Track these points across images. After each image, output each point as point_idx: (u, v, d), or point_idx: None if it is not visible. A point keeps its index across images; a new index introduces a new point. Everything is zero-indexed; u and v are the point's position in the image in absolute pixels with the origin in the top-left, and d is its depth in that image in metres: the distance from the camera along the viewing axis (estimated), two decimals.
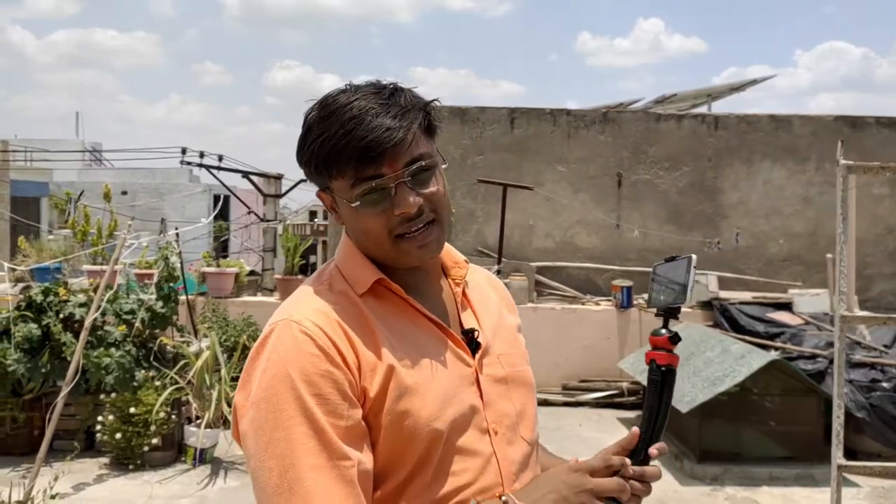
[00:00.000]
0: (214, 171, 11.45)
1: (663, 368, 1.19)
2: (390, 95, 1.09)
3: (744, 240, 8.27)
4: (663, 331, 1.20)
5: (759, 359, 5.18)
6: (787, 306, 7.25)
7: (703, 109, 11.09)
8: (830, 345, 6.05)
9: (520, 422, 1.21)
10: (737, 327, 6.89)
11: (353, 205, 1.10)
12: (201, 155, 12.23)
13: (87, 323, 4.49)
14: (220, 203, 13.29)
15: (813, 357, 5.96)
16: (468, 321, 1.22)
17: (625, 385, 7.08)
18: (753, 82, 11.87)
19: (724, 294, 7.64)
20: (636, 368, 6.34)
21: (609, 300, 7.72)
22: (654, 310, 1.23)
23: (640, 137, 8.30)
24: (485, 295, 1.30)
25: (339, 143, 1.05)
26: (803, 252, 8.15)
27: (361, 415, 1.05)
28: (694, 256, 1.19)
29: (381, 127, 1.04)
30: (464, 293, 1.25)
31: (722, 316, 7.13)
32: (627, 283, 7.56)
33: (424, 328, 1.16)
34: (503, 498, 1.11)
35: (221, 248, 13.56)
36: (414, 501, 1.08)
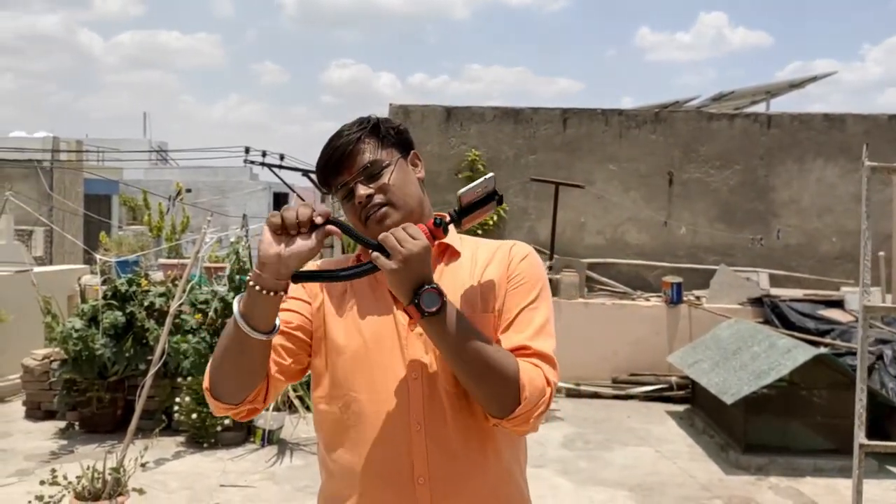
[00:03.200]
0: (276, 171, 11.93)
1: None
2: (351, 125, 1.51)
3: (795, 238, 8.33)
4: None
5: (804, 353, 5.30)
6: (838, 304, 7.30)
7: (761, 107, 11.09)
8: (880, 341, 6.11)
9: (441, 372, 1.43)
10: (787, 324, 6.97)
11: (338, 205, 1.52)
12: (263, 154, 12.73)
13: (172, 310, 4.90)
14: (278, 200, 13.77)
15: None
16: None
17: (674, 379, 7.24)
18: (814, 79, 11.77)
19: (774, 291, 7.72)
20: (685, 363, 6.49)
21: (659, 296, 7.88)
22: None
23: (691, 136, 8.42)
24: (463, 264, 1.53)
25: (318, 167, 1.52)
26: (855, 250, 8.13)
27: (306, 315, 1.51)
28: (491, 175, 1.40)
29: (334, 147, 1.48)
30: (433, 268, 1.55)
31: (772, 313, 7.22)
32: (677, 279, 7.71)
33: (380, 291, 1.49)
34: None
35: None
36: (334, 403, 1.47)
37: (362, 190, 1.45)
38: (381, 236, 1.29)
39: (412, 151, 1.56)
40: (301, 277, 1.34)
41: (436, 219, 1.37)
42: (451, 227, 1.44)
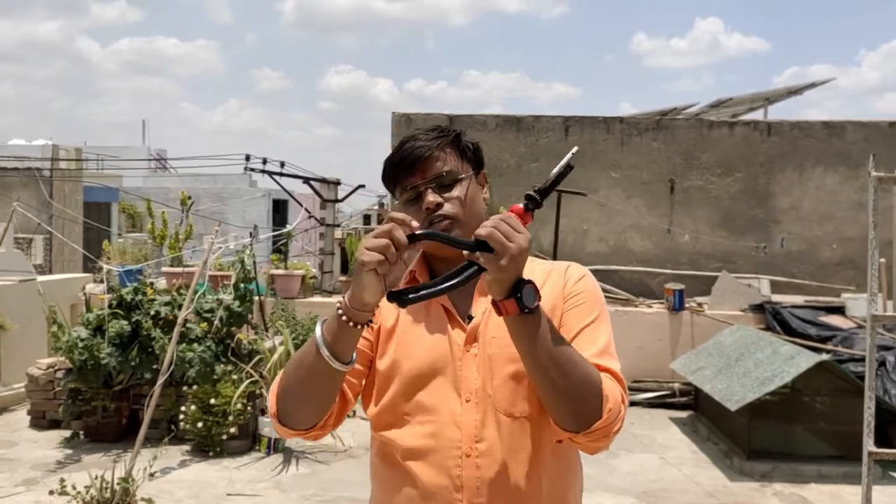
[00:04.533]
0: (277, 178, 11.95)
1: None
2: (430, 131, 1.50)
3: (796, 244, 8.37)
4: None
5: (807, 360, 5.33)
6: (839, 310, 7.33)
7: (759, 113, 11.16)
8: (882, 348, 6.14)
9: (497, 394, 1.40)
10: (789, 330, 7.00)
11: (399, 204, 1.47)
12: (264, 161, 12.75)
13: (181, 319, 4.91)
14: (278, 208, 13.76)
15: (864, 359, 6.05)
16: (477, 308, 1.47)
17: (676, 386, 7.26)
18: (812, 85, 11.84)
19: (776, 297, 7.75)
20: (688, 369, 6.52)
21: (661, 303, 7.91)
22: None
23: (692, 144, 8.46)
24: None
25: (389, 165, 1.49)
26: (857, 256, 8.20)
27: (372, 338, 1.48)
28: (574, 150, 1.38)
29: (413, 148, 1.46)
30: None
31: (774, 319, 7.25)
32: (680, 286, 7.74)
33: (434, 309, 1.47)
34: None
35: (278, 252, 14.09)
36: (387, 416, 1.45)
37: (433, 197, 1.43)
38: (484, 232, 1.19)
39: (482, 171, 1.55)
40: (404, 301, 1.23)
41: (526, 203, 1.29)
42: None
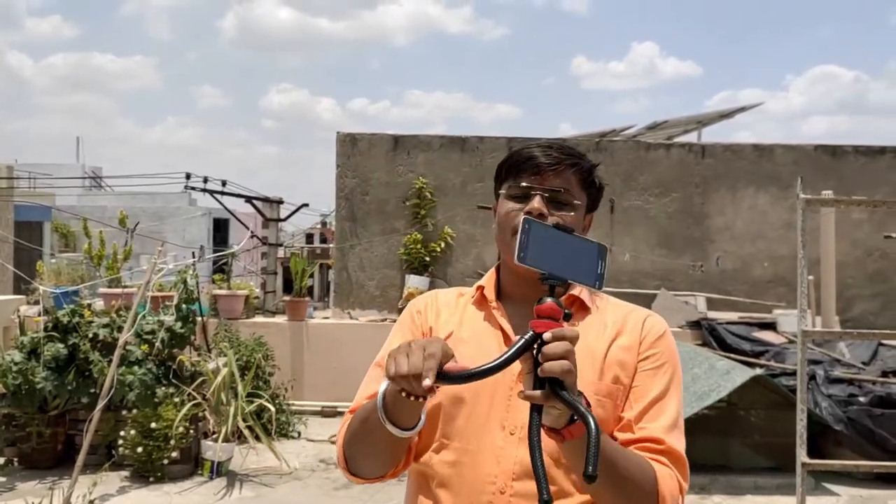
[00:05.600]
0: (218, 196, 11.79)
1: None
2: (570, 147, 1.44)
3: (731, 263, 8.66)
4: (549, 299, 1.13)
5: (742, 374, 5.52)
6: (771, 326, 7.61)
7: (693, 135, 11.53)
8: (812, 362, 6.39)
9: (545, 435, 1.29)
10: (724, 346, 7.23)
11: (502, 192, 1.43)
12: (205, 180, 12.57)
13: (122, 341, 4.81)
14: (218, 227, 13.55)
15: (795, 373, 6.28)
16: None
17: None
18: (742, 109, 12.31)
19: (712, 314, 8.00)
20: None
21: None
22: (540, 271, 1.15)
23: (631, 165, 8.70)
24: (593, 324, 1.41)
25: (513, 157, 1.43)
26: (787, 274, 8.53)
27: None
28: (606, 247, 1.21)
29: (543, 153, 1.39)
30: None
31: (710, 335, 7.47)
32: None
33: (493, 329, 1.41)
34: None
35: (220, 271, 13.88)
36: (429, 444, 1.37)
37: (540, 204, 1.35)
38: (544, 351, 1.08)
39: (592, 214, 1.47)
40: (450, 380, 1.11)
41: (566, 311, 1.13)
42: None
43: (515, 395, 1.26)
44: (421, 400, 1.15)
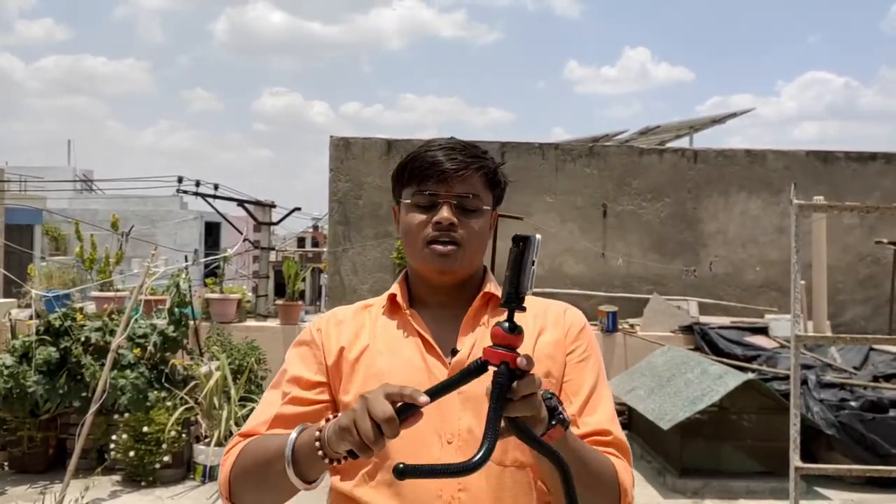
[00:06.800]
0: (210, 200, 11.75)
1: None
2: (471, 146, 1.40)
3: (722, 267, 8.69)
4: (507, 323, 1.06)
5: (735, 379, 5.53)
6: (763, 330, 7.63)
7: (685, 140, 11.58)
8: (803, 366, 6.42)
9: (472, 438, 1.26)
10: (716, 350, 7.25)
11: (407, 202, 1.37)
12: (197, 184, 12.53)
13: (114, 345, 4.79)
14: (210, 230, 13.53)
15: (787, 378, 6.32)
16: (463, 343, 1.36)
17: None
18: (734, 115, 12.36)
19: (704, 319, 8.02)
20: (622, 390, 6.66)
21: (595, 324, 8.08)
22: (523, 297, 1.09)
23: (624, 170, 8.73)
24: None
25: (416, 160, 1.37)
26: (778, 279, 8.57)
27: (322, 376, 1.38)
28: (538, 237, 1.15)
29: (447, 157, 1.34)
30: (477, 320, 1.40)
31: (702, 340, 7.49)
32: (613, 308, 7.93)
33: (411, 336, 1.37)
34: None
35: (211, 275, 13.84)
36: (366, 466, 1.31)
37: (448, 213, 1.33)
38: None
39: (496, 211, 1.46)
40: (407, 474, 1.00)
41: (515, 327, 1.06)
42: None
43: (448, 403, 1.23)
44: (334, 463, 1.11)
